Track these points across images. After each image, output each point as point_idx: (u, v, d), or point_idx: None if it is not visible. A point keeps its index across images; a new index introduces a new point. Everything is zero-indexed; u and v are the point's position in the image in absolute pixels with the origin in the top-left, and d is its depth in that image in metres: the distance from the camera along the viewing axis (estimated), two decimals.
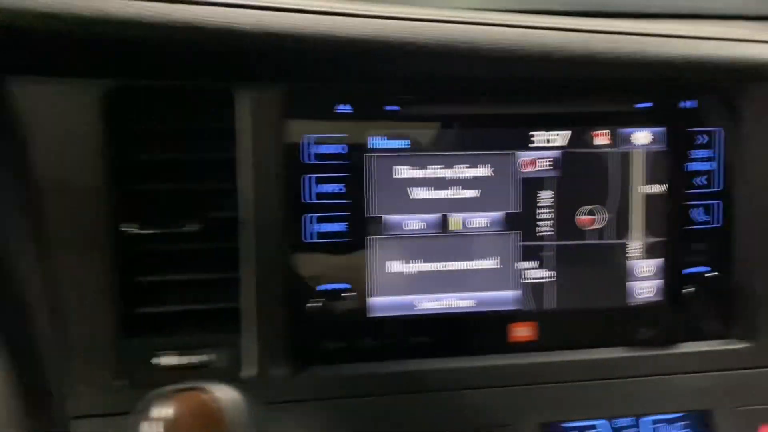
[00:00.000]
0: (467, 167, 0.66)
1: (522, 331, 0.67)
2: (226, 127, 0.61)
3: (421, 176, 0.65)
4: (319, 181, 0.64)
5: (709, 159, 0.68)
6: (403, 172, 0.65)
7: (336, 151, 0.64)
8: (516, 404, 0.66)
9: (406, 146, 0.65)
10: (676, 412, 0.69)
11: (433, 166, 0.65)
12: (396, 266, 0.66)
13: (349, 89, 0.64)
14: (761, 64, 0.65)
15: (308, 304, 0.64)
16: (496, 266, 0.67)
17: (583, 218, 0.67)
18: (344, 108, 0.64)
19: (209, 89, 0.61)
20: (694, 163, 0.68)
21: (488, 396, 0.66)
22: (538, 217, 0.67)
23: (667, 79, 0.65)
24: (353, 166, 0.64)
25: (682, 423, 0.70)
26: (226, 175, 0.62)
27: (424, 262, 0.66)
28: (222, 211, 0.62)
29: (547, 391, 0.66)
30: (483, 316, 0.67)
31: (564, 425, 0.67)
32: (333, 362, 0.65)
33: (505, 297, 0.67)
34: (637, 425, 0.69)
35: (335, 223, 0.64)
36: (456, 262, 0.66)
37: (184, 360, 0.63)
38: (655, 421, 0.69)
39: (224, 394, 0.46)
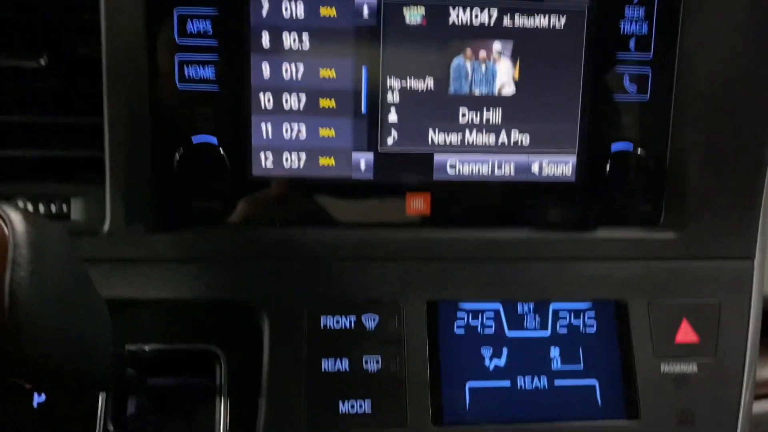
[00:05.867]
0: None
1: (417, 204, 0.61)
2: None
3: None
4: (192, 17, 0.56)
5: (639, 20, 0.60)
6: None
7: None
8: (403, 279, 0.60)
9: None
10: (584, 301, 0.63)
11: None
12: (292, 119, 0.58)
13: None
14: None
15: (178, 158, 0.58)
16: None
17: None
18: None
19: None
20: (623, 22, 0.60)
21: (375, 269, 0.60)
22: None
23: None
24: None
25: (590, 314, 0.63)
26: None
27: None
28: (80, 47, 0.56)
29: (437, 268, 0.60)
30: (380, 185, 0.61)
31: (458, 305, 0.61)
32: (207, 224, 0.59)
33: None
34: (536, 311, 0.62)
35: (212, 67, 0.57)
36: None
37: (39, 209, 0.57)
38: (558, 310, 0.63)
39: (17, 217, 0.39)
